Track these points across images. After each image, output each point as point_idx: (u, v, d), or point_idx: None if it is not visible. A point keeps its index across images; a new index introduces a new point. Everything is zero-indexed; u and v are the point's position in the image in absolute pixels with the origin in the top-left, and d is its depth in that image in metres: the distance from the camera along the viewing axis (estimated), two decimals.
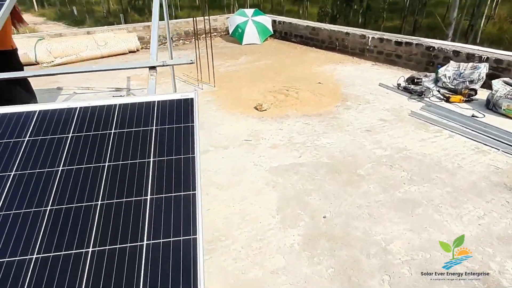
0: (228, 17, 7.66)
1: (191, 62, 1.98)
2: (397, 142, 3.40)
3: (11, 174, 1.41)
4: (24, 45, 5.88)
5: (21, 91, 3.25)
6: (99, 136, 1.54)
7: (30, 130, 1.56)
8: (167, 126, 1.59)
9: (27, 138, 1.53)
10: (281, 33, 7.47)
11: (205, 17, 5.72)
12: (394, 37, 5.78)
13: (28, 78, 3.72)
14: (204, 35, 4.92)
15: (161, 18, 3.34)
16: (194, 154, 1.49)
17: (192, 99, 1.69)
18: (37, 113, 1.64)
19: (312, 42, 6.97)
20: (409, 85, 4.65)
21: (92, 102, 1.66)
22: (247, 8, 10.57)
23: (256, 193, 2.67)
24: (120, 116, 1.63)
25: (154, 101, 1.69)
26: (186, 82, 5.06)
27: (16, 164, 1.44)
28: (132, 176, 1.39)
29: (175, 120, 1.62)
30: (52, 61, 5.94)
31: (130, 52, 6.54)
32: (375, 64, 5.87)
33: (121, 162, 1.45)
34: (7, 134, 1.54)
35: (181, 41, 7.13)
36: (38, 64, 5.90)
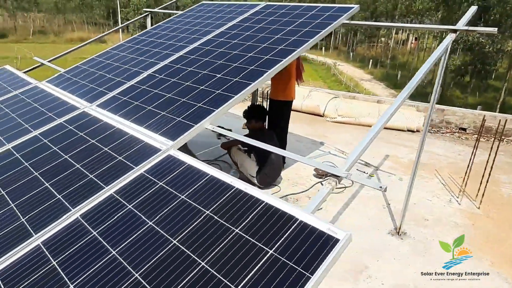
0: None
1: (379, 189, 1.52)
2: None
3: (148, 224, 1.52)
4: (320, 99, 6.77)
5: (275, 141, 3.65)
6: (223, 228, 1.43)
7: (190, 191, 1.65)
8: (283, 259, 1.28)
9: (183, 197, 1.62)
10: None
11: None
12: None
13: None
14: (501, 137, 3.78)
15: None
16: None
17: (337, 241, 1.25)
18: (206, 176, 1.72)
19: None
20: None
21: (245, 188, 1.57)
22: None
23: None
24: (255, 215, 1.46)
25: (296, 220, 1.39)
26: (445, 185, 4.09)
27: (157, 217, 1.55)
28: None
29: (298, 257, 1.28)
30: (335, 118, 6.49)
31: (408, 130, 6.12)
32: None
33: (212, 271, 1.27)
34: (176, 185, 1.70)
35: (474, 136, 5.93)
36: (324, 116, 6.61)
